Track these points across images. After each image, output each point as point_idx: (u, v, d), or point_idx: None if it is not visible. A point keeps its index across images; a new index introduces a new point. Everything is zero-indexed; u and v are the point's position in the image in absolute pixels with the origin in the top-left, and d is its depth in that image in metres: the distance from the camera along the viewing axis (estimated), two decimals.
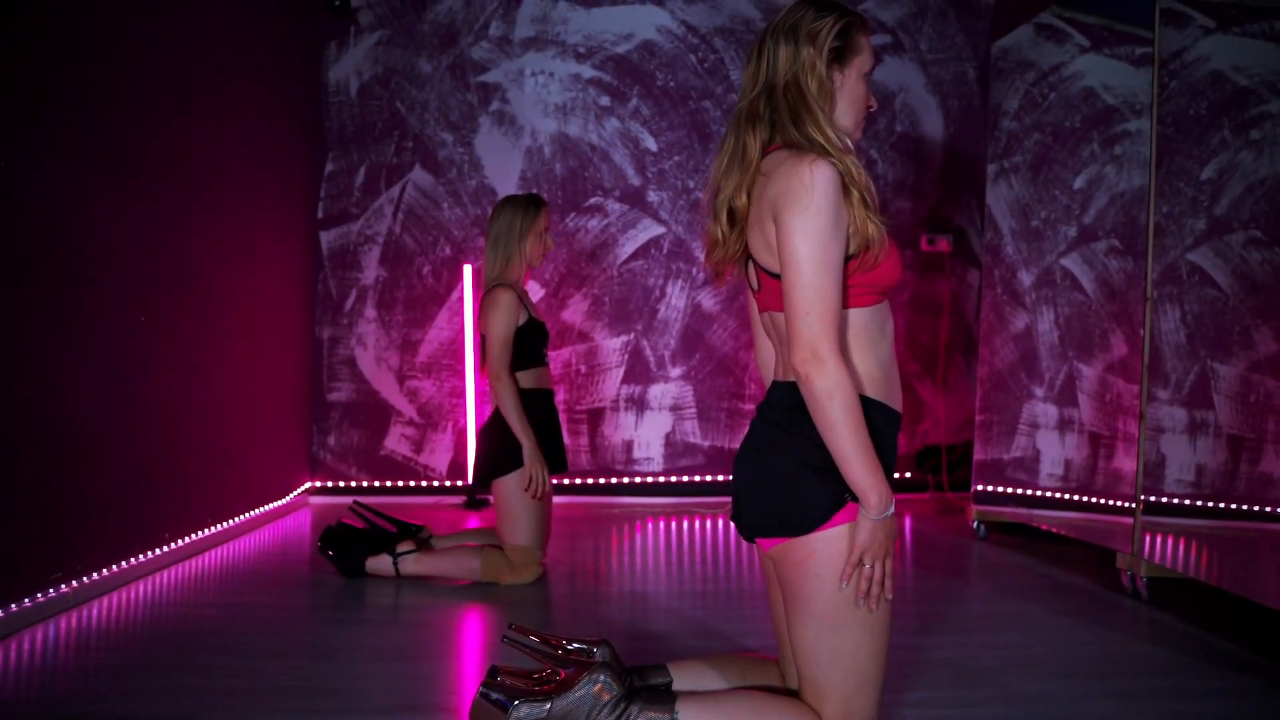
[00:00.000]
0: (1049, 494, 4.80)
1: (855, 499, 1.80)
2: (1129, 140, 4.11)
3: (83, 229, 3.16)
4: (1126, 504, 3.53)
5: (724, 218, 1.95)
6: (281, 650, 2.76)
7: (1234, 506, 3.56)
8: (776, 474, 1.88)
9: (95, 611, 3.06)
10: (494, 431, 3.58)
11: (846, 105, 1.93)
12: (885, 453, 1.86)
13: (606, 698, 1.86)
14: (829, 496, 1.82)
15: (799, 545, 1.84)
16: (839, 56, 1.89)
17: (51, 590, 2.98)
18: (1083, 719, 2.22)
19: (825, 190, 1.76)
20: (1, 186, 2.76)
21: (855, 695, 1.85)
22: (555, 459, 3.65)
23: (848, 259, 1.83)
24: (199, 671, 2.54)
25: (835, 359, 1.74)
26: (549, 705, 1.86)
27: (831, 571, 1.82)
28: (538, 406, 3.61)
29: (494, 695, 1.88)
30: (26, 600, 2.85)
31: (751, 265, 1.97)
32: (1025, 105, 5.01)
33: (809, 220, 1.74)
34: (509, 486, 3.50)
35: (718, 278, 2.06)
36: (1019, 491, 4.80)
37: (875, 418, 1.84)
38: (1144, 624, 3.06)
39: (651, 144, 5.42)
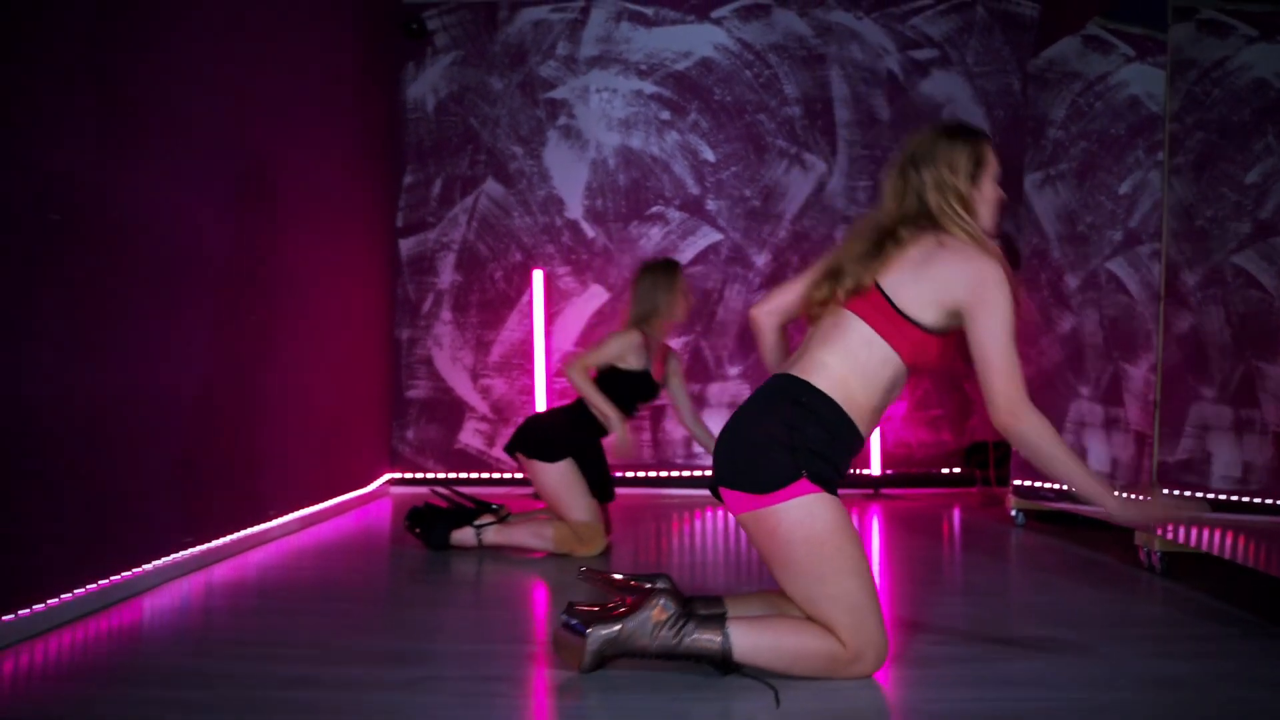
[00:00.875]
0: None
1: (812, 477, 2.22)
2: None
3: (212, 243, 3.58)
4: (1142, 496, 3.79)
5: (844, 288, 2.32)
6: (386, 598, 3.25)
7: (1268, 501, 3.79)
8: (756, 438, 2.27)
9: (218, 572, 3.50)
10: (554, 419, 4.01)
11: (986, 210, 2.36)
12: (843, 460, 2.29)
13: (665, 617, 2.24)
14: (789, 469, 2.21)
15: (766, 517, 2.23)
16: (975, 176, 2.32)
17: (183, 551, 3.42)
18: (1090, 654, 2.52)
19: (1006, 285, 2.21)
20: (152, 211, 3.17)
21: (860, 623, 2.22)
22: (604, 489, 4.02)
23: (939, 331, 2.27)
24: (317, 613, 2.97)
25: (1033, 410, 2.17)
26: (619, 627, 2.24)
27: (798, 535, 2.21)
28: (592, 435, 4.01)
29: (572, 622, 2.27)
30: (162, 559, 3.29)
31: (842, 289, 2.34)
32: (1071, 114, 5.25)
33: (1002, 309, 2.18)
34: (553, 474, 3.87)
35: (812, 320, 2.45)
36: (1058, 487, 5.06)
37: (846, 435, 2.27)
38: (1157, 591, 3.35)
39: (710, 155, 5.75)
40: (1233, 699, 2.23)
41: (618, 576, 2.47)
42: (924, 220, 2.32)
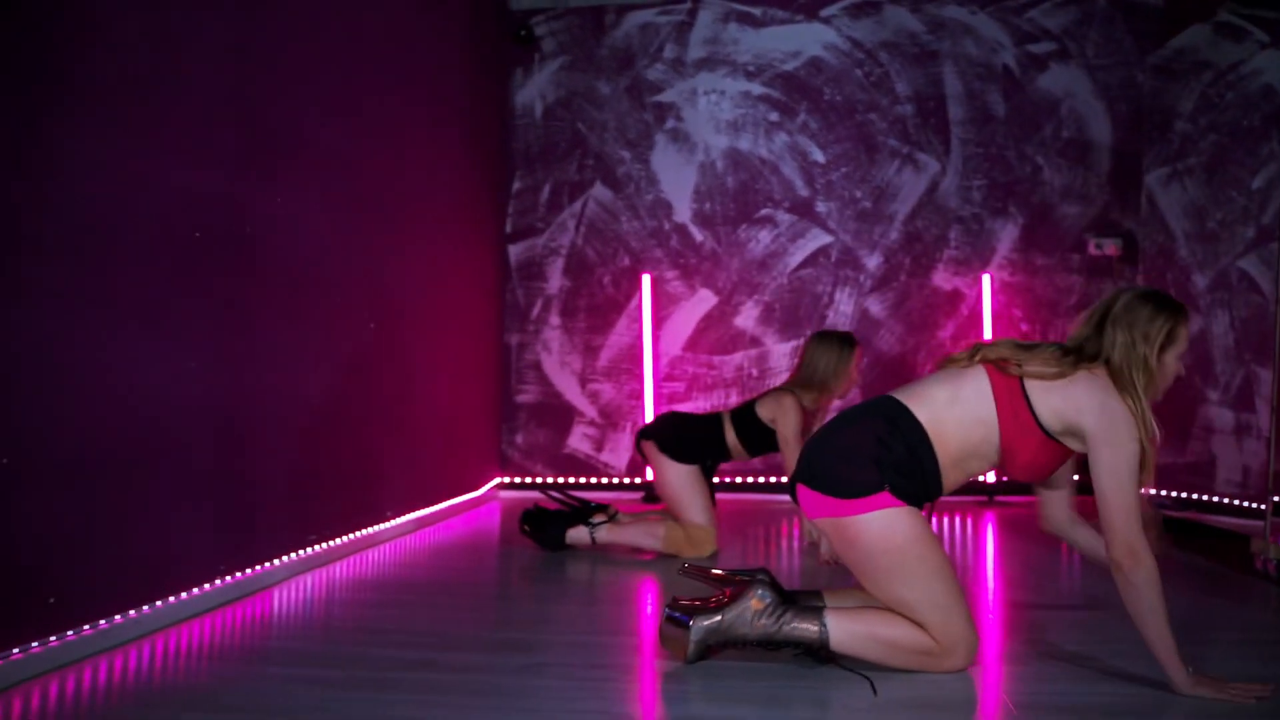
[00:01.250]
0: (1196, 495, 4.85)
1: (894, 491, 2.33)
2: None
3: (332, 255, 3.73)
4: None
5: (991, 355, 2.46)
6: (498, 593, 3.47)
7: None
8: (845, 445, 2.41)
9: (339, 569, 3.67)
10: (698, 424, 4.14)
11: (1162, 382, 2.41)
12: (920, 488, 2.39)
13: (763, 606, 2.36)
14: (873, 481, 2.33)
15: (846, 526, 2.35)
16: (1164, 348, 2.37)
17: (305, 550, 3.58)
18: (1196, 657, 2.44)
19: (1136, 432, 2.29)
20: (280, 223, 3.34)
21: (947, 620, 2.32)
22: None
23: (1049, 433, 2.38)
24: (433, 606, 3.14)
25: (1149, 556, 2.23)
26: (720, 617, 2.36)
27: (879, 547, 2.32)
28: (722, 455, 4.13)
29: (676, 614, 2.39)
30: (287, 557, 3.46)
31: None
32: (1200, 106, 5.06)
33: (1128, 451, 2.27)
34: (680, 474, 3.94)
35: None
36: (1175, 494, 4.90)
37: (928, 466, 2.38)
38: (1272, 598, 3.30)
39: (819, 156, 5.69)
40: None
41: (718, 571, 2.55)
42: (1100, 369, 2.41)
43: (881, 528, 2.31)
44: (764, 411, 4.03)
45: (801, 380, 4.12)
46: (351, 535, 3.92)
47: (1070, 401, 2.33)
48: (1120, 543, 2.23)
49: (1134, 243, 5.45)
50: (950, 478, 2.42)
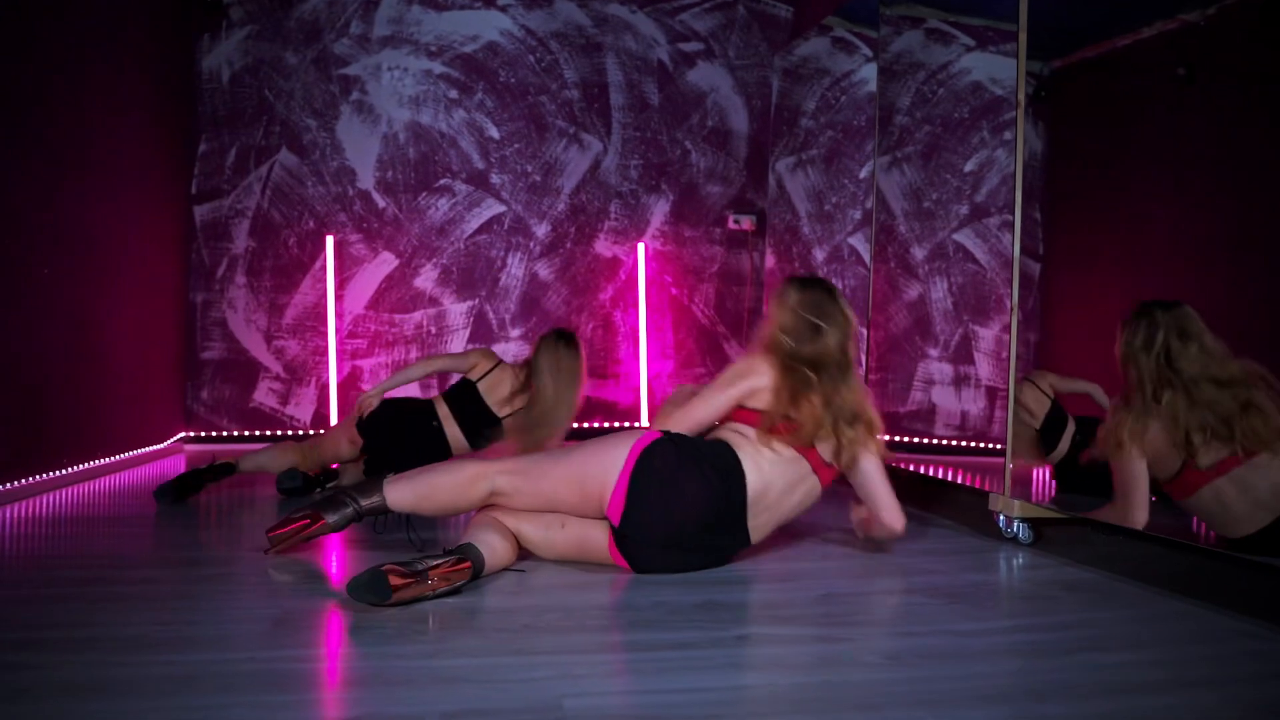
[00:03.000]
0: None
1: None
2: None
3: (6, 195, 3.85)
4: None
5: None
6: (176, 524, 3.56)
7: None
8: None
9: (10, 511, 3.77)
10: None
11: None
12: None
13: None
14: None
15: None
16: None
17: None
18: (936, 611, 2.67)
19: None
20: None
21: None
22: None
23: None
24: (110, 537, 3.29)
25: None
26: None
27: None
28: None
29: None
30: None
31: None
32: (820, 106, 5.98)
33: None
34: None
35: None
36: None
37: None
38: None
39: (495, 132, 6.25)
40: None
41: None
42: None
43: None
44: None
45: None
46: (22, 481, 3.99)
47: None
48: None
49: (764, 220, 6.35)
50: None
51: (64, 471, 4.37)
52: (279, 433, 6.07)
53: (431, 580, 2.45)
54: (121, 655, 1.98)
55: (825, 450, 2.96)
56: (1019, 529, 3.42)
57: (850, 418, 2.95)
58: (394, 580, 2.35)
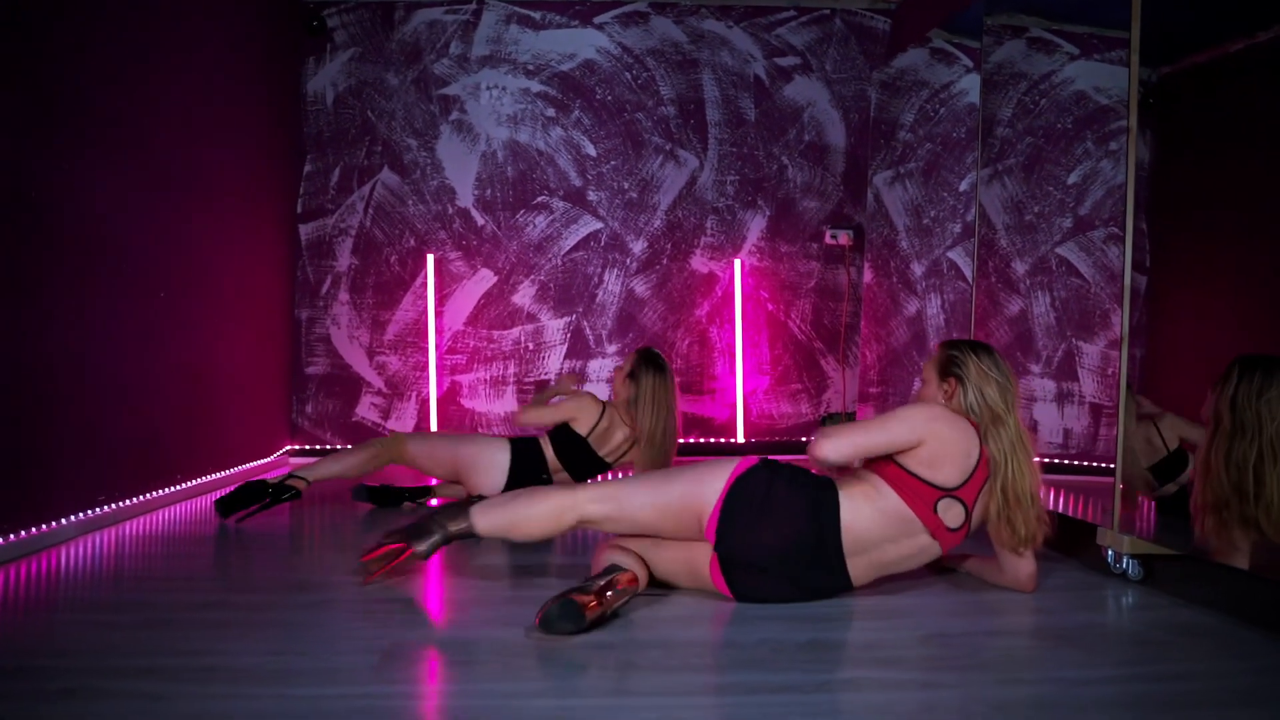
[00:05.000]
0: None
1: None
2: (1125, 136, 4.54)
3: (128, 227, 3.98)
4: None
5: None
6: (291, 546, 3.72)
7: None
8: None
9: (128, 528, 3.93)
10: None
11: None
12: None
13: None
14: None
15: None
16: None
17: (94, 509, 3.83)
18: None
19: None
20: (67, 190, 3.57)
21: None
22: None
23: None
24: (221, 558, 3.45)
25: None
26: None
27: None
28: None
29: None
30: (75, 516, 3.69)
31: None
32: (919, 119, 5.96)
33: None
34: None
35: None
36: None
37: None
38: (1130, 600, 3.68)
39: (591, 150, 6.35)
40: None
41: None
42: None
43: None
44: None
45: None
46: (141, 497, 4.16)
47: None
48: None
49: (862, 234, 6.34)
50: None
51: (179, 487, 4.55)
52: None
53: (610, 594, 2.52)
54: (242, 687, 2.05)
55: (954, 517, 2.81)
56: (1128, 565, 3.30)
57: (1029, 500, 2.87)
58: (580, 599, 2.42)
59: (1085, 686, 2.19)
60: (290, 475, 4.10)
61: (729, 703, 2.06)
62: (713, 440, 6.40)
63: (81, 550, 3.44)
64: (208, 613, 2.65)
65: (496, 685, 2.09)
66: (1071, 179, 4.85)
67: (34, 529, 3.39)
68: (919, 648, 2.47)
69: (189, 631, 2.46)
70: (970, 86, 5.64)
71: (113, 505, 3.94)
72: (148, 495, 4.25)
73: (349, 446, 4.64)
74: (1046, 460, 4.60)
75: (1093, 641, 2.59)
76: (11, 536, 3.26)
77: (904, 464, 2.77)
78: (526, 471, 4.29)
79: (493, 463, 4.27)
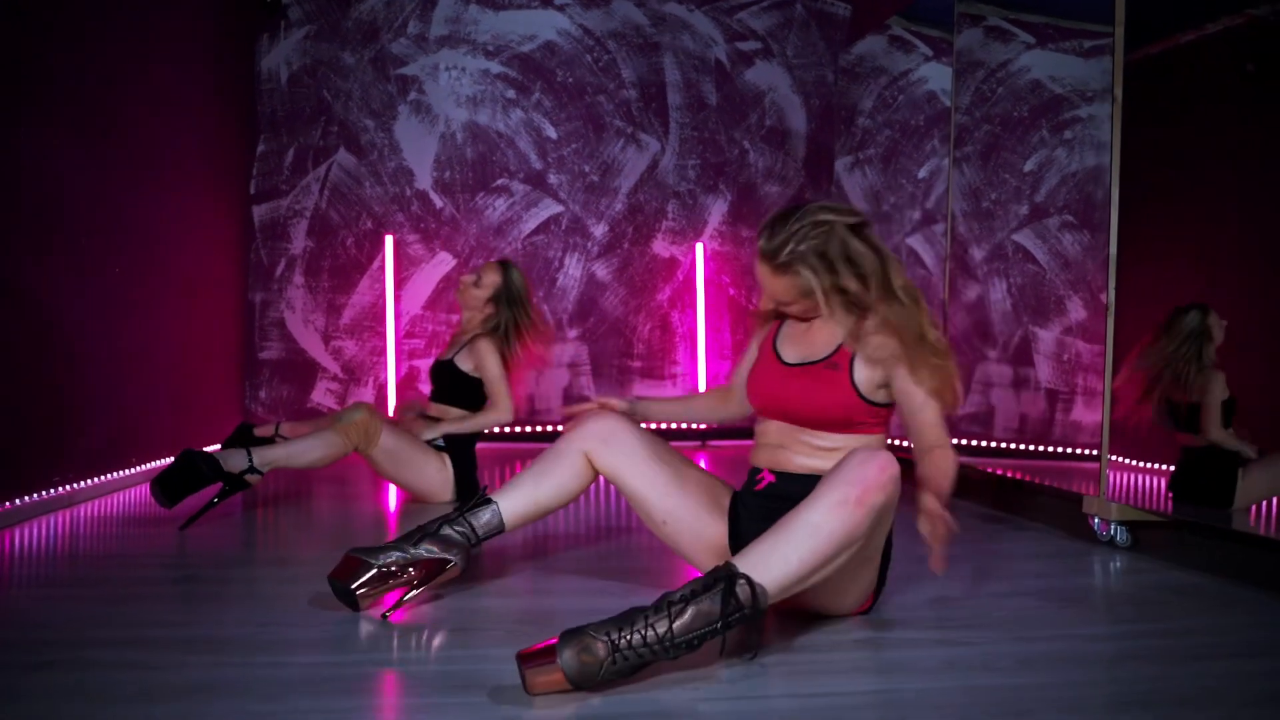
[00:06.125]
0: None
1: None
2: (1080, 125, 4.52)
3: (81, 193, 4.01)
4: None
5: None
6: (247, 522, 3.78)
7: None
8: None
9: (86, 510, 3.98)
10: None
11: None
12: None
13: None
14: None
15: None
16: None
17: (50, 490, 3.85)
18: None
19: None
20: (27, 156, 3.60)
21: None
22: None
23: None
24: (181, 535, 3.49)
25: None
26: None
27: None
28: None
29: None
30: (30, 497, 3.72)
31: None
32: (878, 105, 6.10)
33: None
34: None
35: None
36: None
37: None
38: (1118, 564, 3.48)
39: (552, 132, 6.45)
40: None
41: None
42: None
43: None
44: (463, 363, 4.32)
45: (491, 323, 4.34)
46: (99, 478, 4.20)
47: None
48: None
49: None
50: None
51: (131, 471, 4.58)
52: None
53: (419, 580, 2.42)
54: (232, 655, 2.10)
55: None
56: (1117, 532, 3.43)
57: None
58: (370, 585, 2.39)
59: (1100, 642, 2.32)
60: (249, 468, 3.62)
61: (756, 664, 2.08)
62: (673, 427, 6.52)
63: (37, 531, 3.48)
64: (182, 586, 2.73)
65: (499, 650, 2.11)
66: (1028, 166, 4.98)
67: None
68: (926, 610, 2.56)
69: (164, 604, 2.53)
70: (930, 75, 5.78)
71: (68, 487, 3.98)
72: (100, 478, 4.27)
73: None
74: (1003, 445, 4.76)
75: (1095, 603, 2.78)
76: None
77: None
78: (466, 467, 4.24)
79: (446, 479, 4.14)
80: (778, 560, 1.99)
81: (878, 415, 2.48)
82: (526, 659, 1.87)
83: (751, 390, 2.62)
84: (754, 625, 1.98)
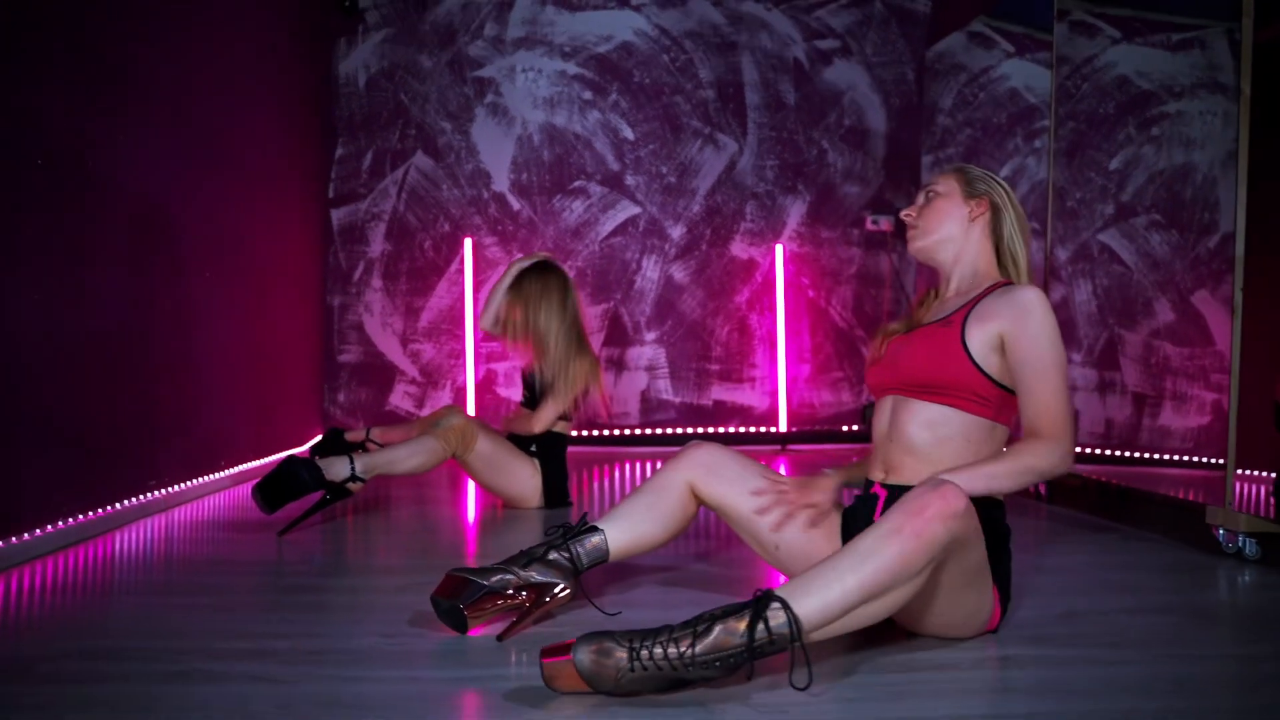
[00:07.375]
0: None
1: None
2: (1167, 121, 4.51)
3: (171, 196, 4.18)
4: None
5: None
6: (338, 529, 3.94)
7: None
8: None
9: (180, 514, 4.15)
10: None
11: None
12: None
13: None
14: None
15: None
16: None
17: (145, 495, 4.00)
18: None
19: None
20: (122, 159, 3.77)
21: None
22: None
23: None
24: (272, 544, 3.65)
25: None
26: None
27: None
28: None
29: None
30: (127, 501, 3.87)
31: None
32: (957, 103, 6.15)
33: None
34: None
35: None
36: None
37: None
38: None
39: (629, 134, 6.59)
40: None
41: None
42: None
43: None
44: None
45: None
46: (190, 482, 4.36)
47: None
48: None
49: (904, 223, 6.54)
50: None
51: (219, 475, 4.75)
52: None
53: (530, 605, 2.42)
54: (362, 669, 2.13)
55: None
56: (1245, 544, 3.30)
57: None
58: (483, 604, 2.38)
59: (1260, 663, 2.26)
60: (352, 476, 3.64)
61: (887, 681, 2.07)
62: (752, 429, 6.63)
63: (134, 536, 3.58)
64: (293, 596, 2.78)
65: None
66: (1114, 165, 4.97)
67: (88, 514, 3.50)
68: (1060, 625, 2.50)
69: (280, 613, 2.58)
70: (1011, 71, 5.82)
71: (162, 491, 4.13)
72: (195, 481, 4.45)
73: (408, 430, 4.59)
74: (1088, 450, 4.78)
75: (1239, 620, 2.69)
76: (65, 522, 3.37)
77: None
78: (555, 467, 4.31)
79: (536, 485, 4.25)
80: (819, 586, 1.90)
81: (988, 391, 2.34)
82: (546, 653, 1.90)
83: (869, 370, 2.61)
84: (800, 653, 1.90)
